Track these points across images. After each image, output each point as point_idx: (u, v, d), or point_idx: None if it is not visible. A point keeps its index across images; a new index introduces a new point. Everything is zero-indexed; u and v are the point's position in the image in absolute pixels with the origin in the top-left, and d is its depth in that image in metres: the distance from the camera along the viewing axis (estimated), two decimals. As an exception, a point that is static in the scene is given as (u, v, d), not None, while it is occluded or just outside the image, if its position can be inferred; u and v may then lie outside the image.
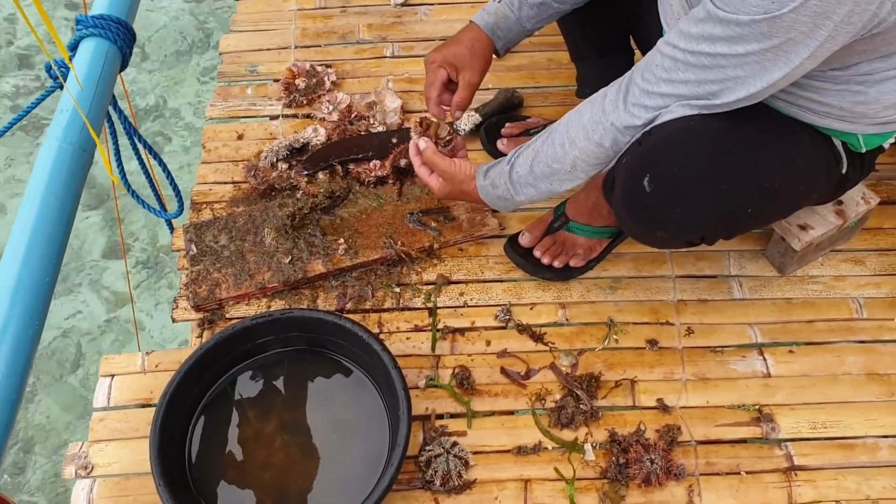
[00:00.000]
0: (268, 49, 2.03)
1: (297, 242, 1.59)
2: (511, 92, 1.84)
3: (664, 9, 1.30)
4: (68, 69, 1.38)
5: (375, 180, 1.69)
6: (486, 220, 1.65)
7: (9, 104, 3.29)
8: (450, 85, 1.51)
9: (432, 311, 1.54)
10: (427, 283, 1.58)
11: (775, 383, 1.44)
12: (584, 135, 1.26)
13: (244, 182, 1.73)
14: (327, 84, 1.88)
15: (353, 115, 1.81)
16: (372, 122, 1.80)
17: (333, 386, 1.41)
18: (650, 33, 1.40)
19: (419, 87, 1.89)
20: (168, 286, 2.77)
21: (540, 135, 1.34)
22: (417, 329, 1.52)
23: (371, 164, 1.69)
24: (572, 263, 1.56)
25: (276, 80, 1.93)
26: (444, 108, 1.51)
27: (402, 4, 2.11)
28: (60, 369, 2.60)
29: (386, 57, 2.00)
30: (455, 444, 1.36)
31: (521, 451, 1.36)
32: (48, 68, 1.43)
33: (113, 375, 1.48)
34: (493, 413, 1.42)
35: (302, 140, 1.74)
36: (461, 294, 1.56)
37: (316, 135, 1.75)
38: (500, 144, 1.74)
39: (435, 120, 1.47)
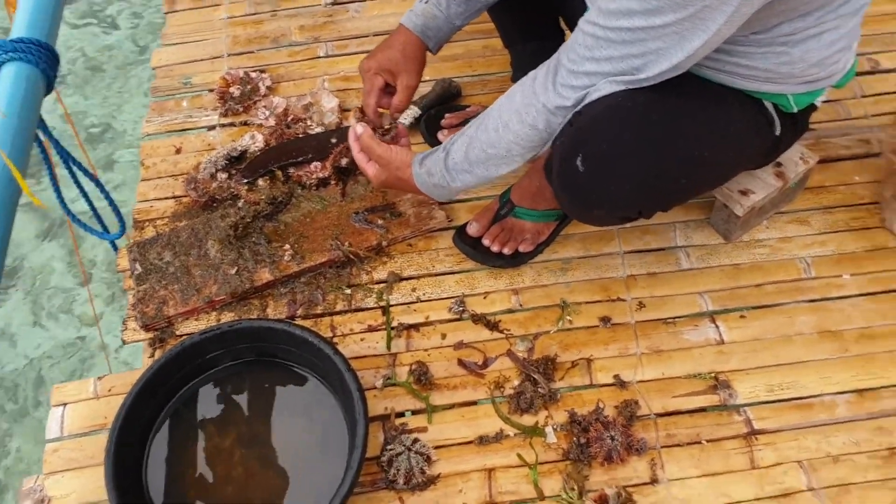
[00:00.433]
0: (200, 60, 2.00)
1: (241, 252, 1.56)
2: (448, 82, 1.83)
3: None
4: (-13, 97, 1.34)
5: (317, 182, 1.67)
6: (433, 214, 1.64)
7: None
8: (387, 89, 1.49)
9: (385, 310, 1.52)
10: (378, 282, 1.57)
11: (729, 350, 1.45)
12: (518, 118, 1.26)
13: (185, 196, 1.70)
14: (262, 90, 1.86)
15: (289, 119, 1.79)
16: (309, 123, 1.78)
17: (289, 394, 1.40)
18: (577, 14, 1.39)
19: (356, 85, 1.87)
20: (129, 307, 2.72)
21: (473, 121, 1.33)
22: (371, 329, 1.50)
23: (311, 166, 1.68)
24: (522, 249, 1.56)
25: (211, 90, 1.91)
26: (384, 110, 1.50)
27: (333, 3, 2.09)
28: (27, 401, 2.54)
29: (320, 57, 1.98)
30: (416, 440, 1.35)
31: (482, 440, 1.36)
32: (-34, 97, 1.40)
33: (65, 404, 1.45)
34: (452, 406, 1.41)
35: (240, 148, 1.72)
36: (413, 290, 1.55)
37: (254, 142, 1.73)
38: (441, 136, 1.73)
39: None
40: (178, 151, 1.81)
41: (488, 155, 1.31)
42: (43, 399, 2.51)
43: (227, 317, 1.52)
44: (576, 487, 1.29)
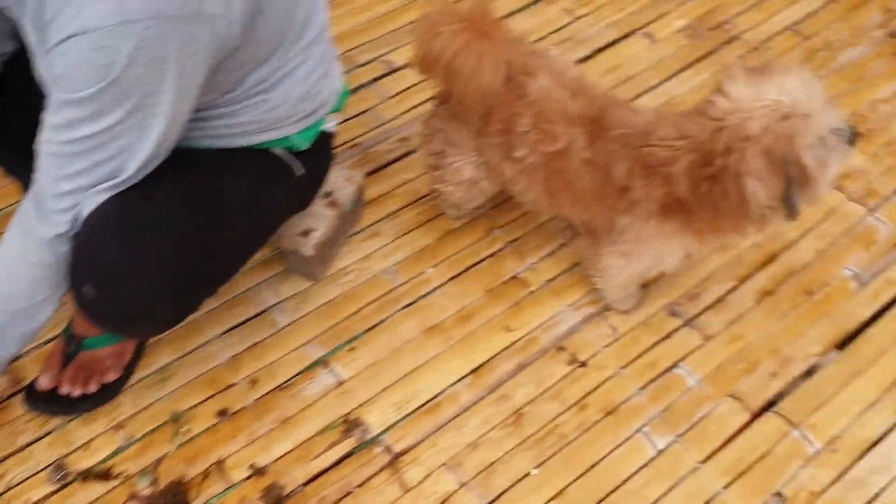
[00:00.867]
0: None
1: None
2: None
3: None
4: None
5: None
6: (-2, 381, 1.42)
7: None
8: None
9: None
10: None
11: (350, 387, 1.44)
12: (24, 262, 1.12)
13: None
14: None
15: None
16: None
17: None
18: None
19: None
20: None
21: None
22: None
23: None
24: (108, 379, 1.41)
25: None
26: None
27: None
28: None
29: None
30: None
31: None
32: None
33: None
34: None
35: None
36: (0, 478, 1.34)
37: None
38: None
39: None
40: None
41: (13, 312, 1.15)
42: None
43: None
44: None
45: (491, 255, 1.63)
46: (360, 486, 1.32)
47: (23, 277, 1.13)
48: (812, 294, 1.60)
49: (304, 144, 1.32)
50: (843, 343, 1.55)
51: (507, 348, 1.50)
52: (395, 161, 1.77)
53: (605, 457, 1.37)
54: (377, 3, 2.04)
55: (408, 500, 1.31)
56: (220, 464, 1.35)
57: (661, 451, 1.38)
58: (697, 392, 1.47)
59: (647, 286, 1.56)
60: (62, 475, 1.33)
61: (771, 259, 1.64)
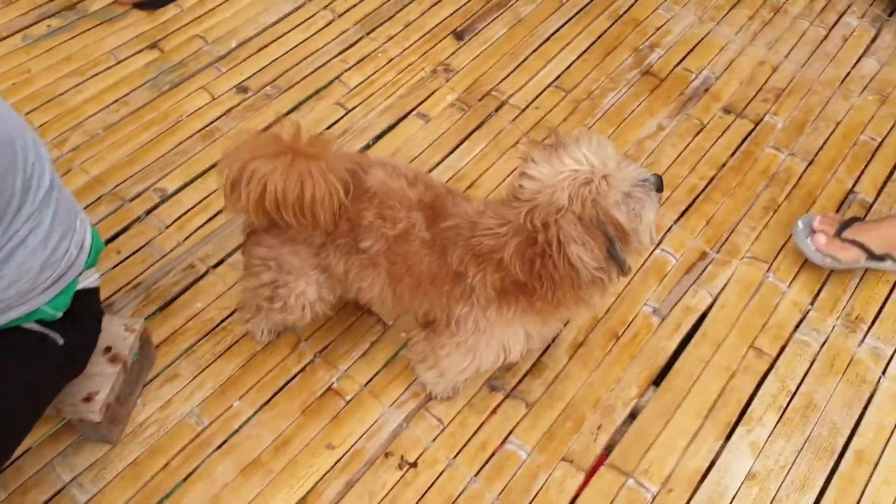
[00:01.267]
0: None
1: None
2: None
3: None
4: None
5: None
6: None
7: None
8: None
9: None
10: None
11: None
12: None
13: None
14: None
15: None
16: None
17: None
18: None
19: None
20: None
21: None
22: None
23: None
24: None
25: None
26: None
27: None
28: None
29: None
30: None
31: None
32: None
33: None
34: None
35: None
36: None
37: None
38: None
39: None
40: None
41: None
42: None
43: None
44: None
45: (301, 371, 1.56)
46: None
47: None
48: (619, 337, 1.64)
49: (58, 312, 1.21)
50: (658, 378, 1.59)
51: (332, 468, 1.43)
52: (182, 293, 1.66)
53: (451, 559, 1.32)
54: (139, 131, 1.94)
55: None
56: None
57: (505, 537, 1.35)
58: (531, 463, 1.46)
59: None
60: None
61: (575, 312, 1.67)
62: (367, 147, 1.98)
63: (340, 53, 2.19)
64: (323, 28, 2.25)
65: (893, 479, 1.46)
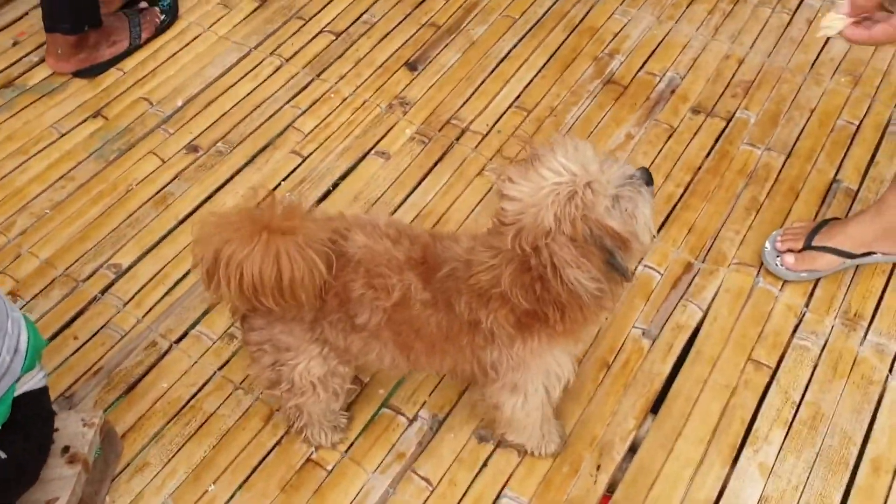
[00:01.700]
0: None
1: None
2: None
3: None
4: None
5: None
6: None
7: None
8: None
9: None
10: None
11: None
12: None
13: None
14: None
15: None
16: None
17: None
18: None
19: None
20: None
21: None
22: None
23: None
24: None
25: None
26: None
27: None
28: None
29: None
30: None
31: None
32: None
33: None
34: None
35: None
36: None
37: None
38: None
39: None
40: None
41: None
42: None
43: None
44: None
45: (277, 444, 1.47)
46: None
47: None
48: (609, 366, 1.55)
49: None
50: (655, 406, 1.50)
51: (318, 547, 1.34)
52: (146, 373, 1.57)
53: None
54: (88, 206, 1.86)
55: None
56: None
57: None
58: (530, 517, 1.37)
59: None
60: None
61: (561, 344, 1.58)
62: (328, 193, 1.89)
63: (292, 99, 2.11)
64: (271, 74, 2.17)
65: (916, 487, 1.37)
